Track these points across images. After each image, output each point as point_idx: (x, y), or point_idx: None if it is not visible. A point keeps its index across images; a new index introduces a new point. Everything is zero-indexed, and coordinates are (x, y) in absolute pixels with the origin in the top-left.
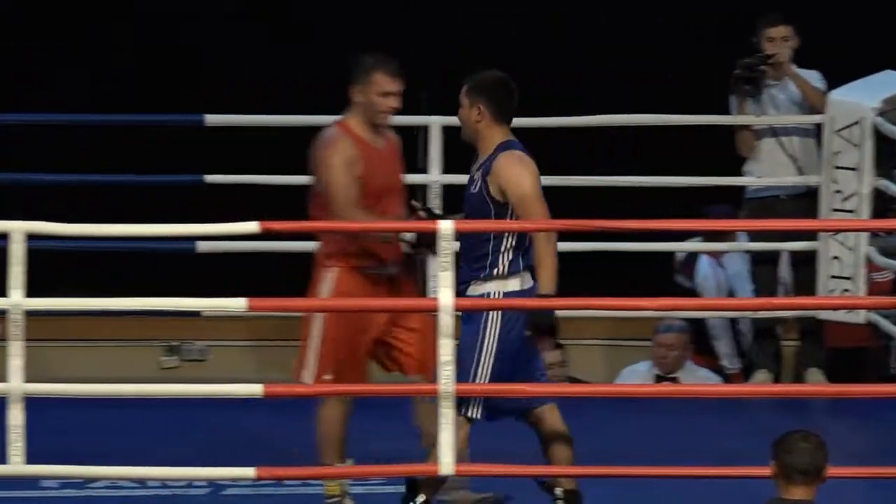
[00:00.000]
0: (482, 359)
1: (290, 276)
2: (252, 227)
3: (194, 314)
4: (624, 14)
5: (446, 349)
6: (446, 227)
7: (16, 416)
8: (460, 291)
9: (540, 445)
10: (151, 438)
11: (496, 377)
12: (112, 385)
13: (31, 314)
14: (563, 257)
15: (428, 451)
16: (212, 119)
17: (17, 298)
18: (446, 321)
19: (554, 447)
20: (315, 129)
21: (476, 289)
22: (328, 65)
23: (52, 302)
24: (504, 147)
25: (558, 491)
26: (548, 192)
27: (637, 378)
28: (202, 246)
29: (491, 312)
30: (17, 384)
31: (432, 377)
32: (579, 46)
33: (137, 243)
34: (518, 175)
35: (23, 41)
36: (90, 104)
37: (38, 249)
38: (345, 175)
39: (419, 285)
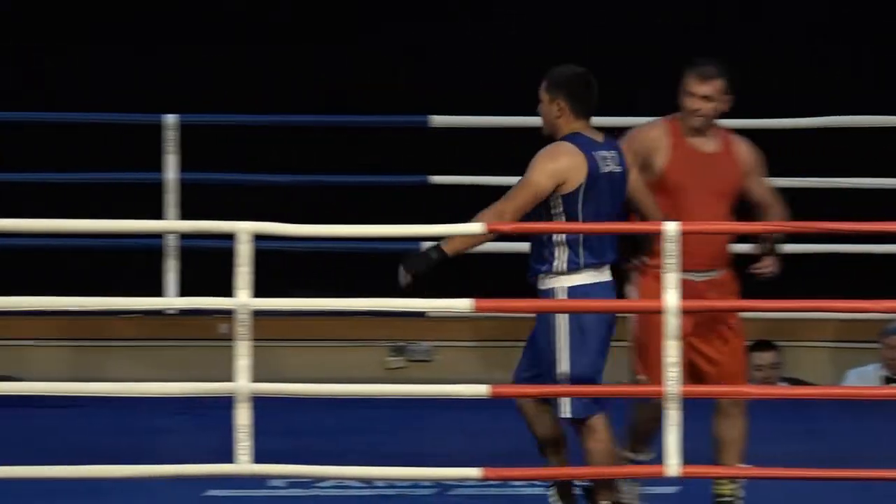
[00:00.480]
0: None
1: (515, 276)
2: (478, 228)
3: (419, 315)
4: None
5: (672, 350)
6: (671, 228)
7: (243, 416)
8: (531, 283)
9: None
10: (378, 438)
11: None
12: (338, 385)
13: (258, 314)
14: (791, 259)
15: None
16: (437, 120)
17: (244, 298)
18: (672, 322)
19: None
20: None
21: (541, 284)
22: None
23: (279, 302)
24: (564, 139)
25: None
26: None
27: (864, 380)
28: (427, 246)
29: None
30: (244, 384)
31: (737, 385)
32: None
33: (363, 244)
34: (534, 164)
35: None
36: (315, 106)
37: (266, 250)
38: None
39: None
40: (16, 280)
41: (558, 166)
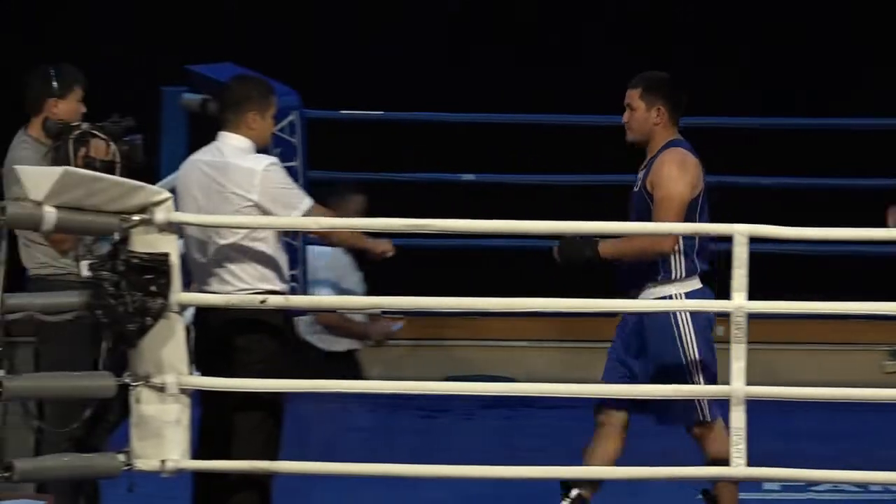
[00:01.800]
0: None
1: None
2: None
3: None
4: None
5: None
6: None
7: (738, 419)
8: (633, 296)
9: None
10: (873, 442)
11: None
12: (832, 389)
13: (753, 317)
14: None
15: None
16: None
17: (739, 301)
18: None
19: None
20: None
21: (654, 292)
22: None
23: (775, 305)
24: (671, 144)
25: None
26: None
27: None
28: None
29: (679, 314)
30: (739, 386)
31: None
32: None
33: (850, 247)
34: (671, 176)
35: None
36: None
37: (760, 252)
38: None
39: None
40: (510, 282)
41: (694, 175)
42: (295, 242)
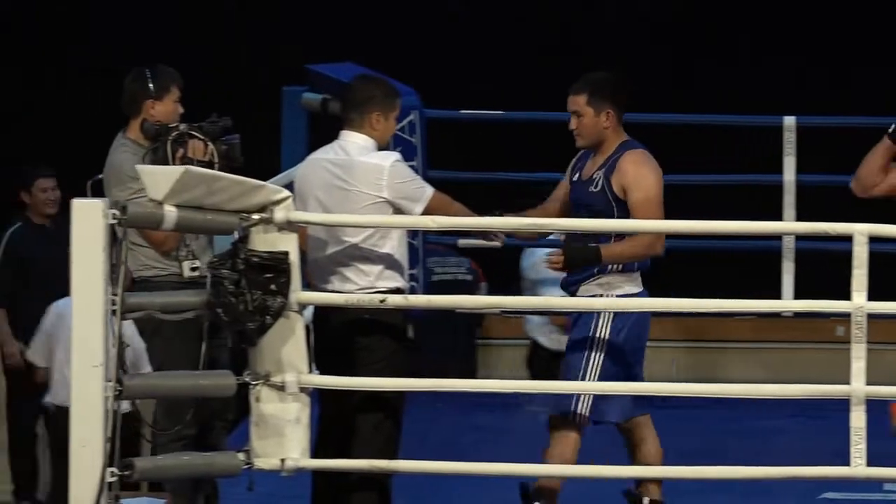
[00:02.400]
0: (592, 359)
1: None
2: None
3: None
4: None
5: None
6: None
7: (858, 419)
8: (570, 293)
9: (628, 451)
10: None
11: (606, 378)
12: None
13: (872, 317)
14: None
15: None
16: None
17: (860, 301)
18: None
19: (645, 455)
20: None
21: (587, 290)
22: None
23: (894, 305)
24: (630, 146)
25: (646, 500)
26: None
27: None
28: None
29: (602, 313)
30: (859, 386)
31: None
32: None
33: None
34: (646, 176)
35: None
36: None
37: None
38: None
39: None
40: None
41: (660, 174)
42: (415, 242)
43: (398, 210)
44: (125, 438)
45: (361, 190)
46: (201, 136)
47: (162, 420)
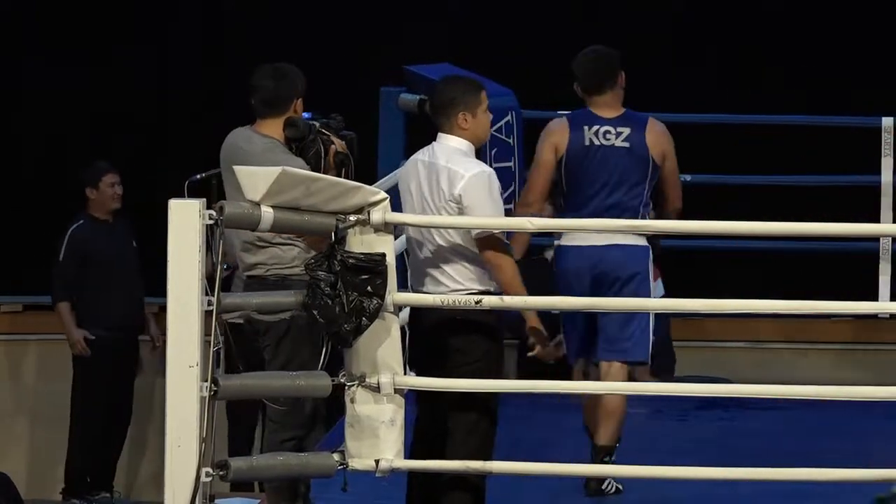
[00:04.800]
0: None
1: None
2: None
3: None
4: None
5: None
6: None
7: None
8: None
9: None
10: None
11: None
12: None
13: None
14: None
15: None
16: None
17: None
18: None
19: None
20: None
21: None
22: None
23: None
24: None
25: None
26: None
27: None
28: None
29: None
30: None
31: None
32: None
33: None
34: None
35: None
36: None
37: None
38: None
39: None
40: (726, 281)
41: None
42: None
43: None
44: None
45: (444, 193)
46: (328, 133)
47: (277, 420)
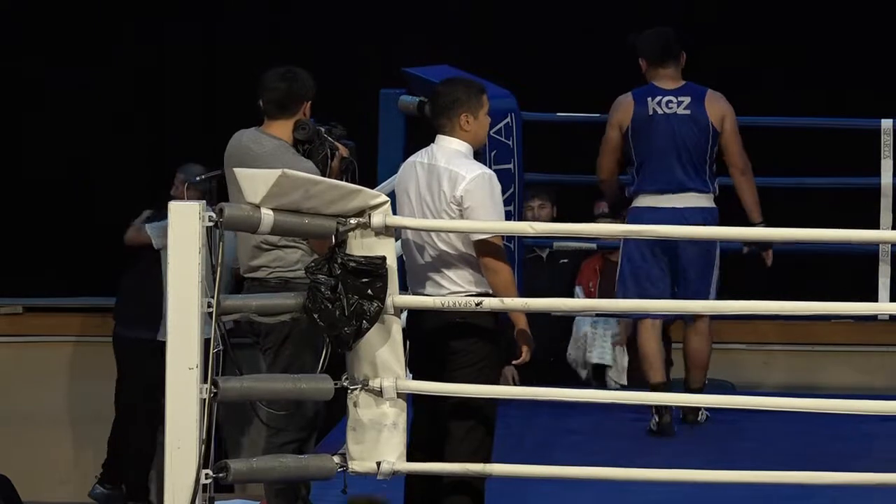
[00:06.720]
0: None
1: None
2: None
3: None
4: None
5: None
6: None
7: None
8: None
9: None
10: None
11: None
12: None
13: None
14: None
15: None
16: None
17: None
18: None
19: None
20: None
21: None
22: None
23: None
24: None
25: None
26: None
27: None
28: None
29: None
30: None
31: None
32: None
33: None
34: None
35: None
36: None
37: None
38: None
39: None
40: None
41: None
42: (511, 245)
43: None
44: None
45: (444, 196)
46: (332, 138)
47: (279, 423)
